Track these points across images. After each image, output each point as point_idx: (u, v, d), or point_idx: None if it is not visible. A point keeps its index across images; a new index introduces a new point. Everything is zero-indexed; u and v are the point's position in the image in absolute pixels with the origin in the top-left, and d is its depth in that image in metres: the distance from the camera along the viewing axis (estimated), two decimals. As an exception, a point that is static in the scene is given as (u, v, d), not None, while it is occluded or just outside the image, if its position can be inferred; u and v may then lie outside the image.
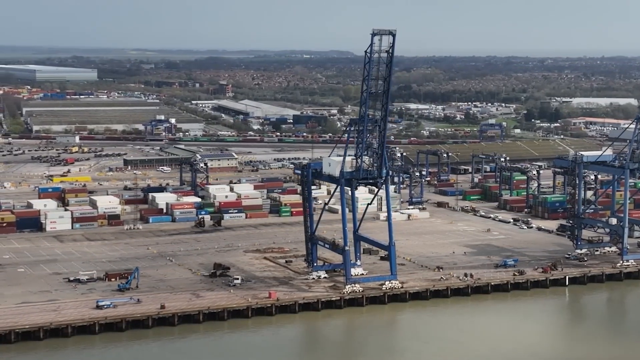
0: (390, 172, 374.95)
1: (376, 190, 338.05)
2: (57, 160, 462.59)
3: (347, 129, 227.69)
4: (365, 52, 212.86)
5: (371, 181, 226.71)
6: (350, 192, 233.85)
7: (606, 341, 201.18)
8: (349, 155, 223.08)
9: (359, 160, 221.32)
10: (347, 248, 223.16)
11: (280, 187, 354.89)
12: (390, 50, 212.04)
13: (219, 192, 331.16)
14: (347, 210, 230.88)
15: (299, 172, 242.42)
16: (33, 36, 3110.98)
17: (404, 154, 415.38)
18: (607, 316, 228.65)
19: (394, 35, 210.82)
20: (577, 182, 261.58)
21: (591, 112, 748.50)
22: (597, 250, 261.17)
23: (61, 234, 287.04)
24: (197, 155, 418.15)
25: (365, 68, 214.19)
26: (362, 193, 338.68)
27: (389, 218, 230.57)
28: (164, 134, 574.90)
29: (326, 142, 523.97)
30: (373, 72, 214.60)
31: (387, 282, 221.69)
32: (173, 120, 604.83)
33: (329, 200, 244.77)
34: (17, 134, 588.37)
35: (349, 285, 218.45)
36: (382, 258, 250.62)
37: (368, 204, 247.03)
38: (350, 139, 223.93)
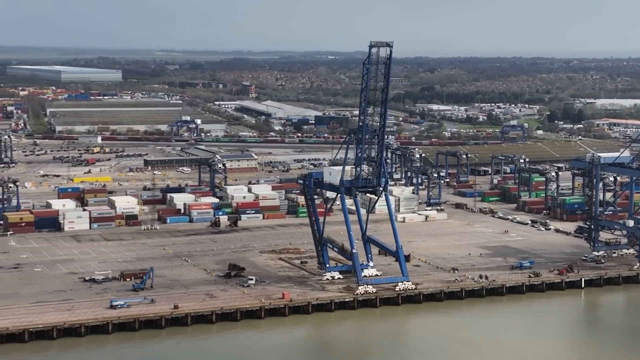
0: (409, 173, 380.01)
1: (393, 192, 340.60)
2: (78, 161, 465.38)
3: (347, 138, 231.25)
4: (364, 63, 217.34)
5: (370, 189, 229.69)
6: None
7: (621, 345, 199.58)
8: (348, 165, 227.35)
9: (358, 169, 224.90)
10: (354, 251, 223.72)
11: (298, 188, 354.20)
12: (388, 62, 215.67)
13: (237, 193, 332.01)
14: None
15: (302, 181, 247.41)
16: (60, 37, 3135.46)
17: (423, 155, 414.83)
18: (622, 319, 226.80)
19: (391, 47, 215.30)
20: (595, 183, 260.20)
21: (615, 114, 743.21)
22: (615, 253, 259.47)
23: (79, 233, 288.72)
24: (217, 155, 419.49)
25: (363, 79, 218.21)
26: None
27: (392, 224, 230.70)
28: (186, 134, 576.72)
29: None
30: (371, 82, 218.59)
31: (399, 284, 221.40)
32: (199, 121, 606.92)
33: (330, 206, 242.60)
34: (40, 134, 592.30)
35: (362, 287, 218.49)
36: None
37: (369, 209, 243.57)
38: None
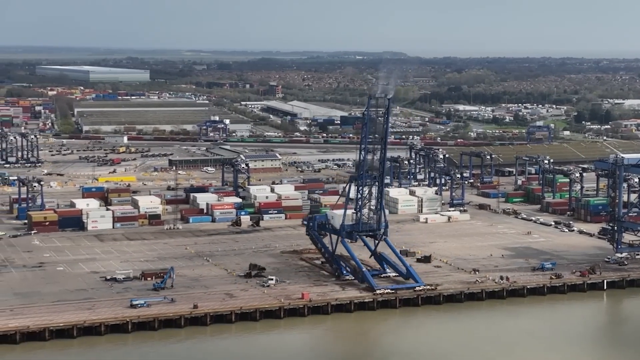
0: (432, 174, 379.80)
1: (416, 191, 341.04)
2: (103, 161, 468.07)
3: (348, 184, 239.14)
4: (363, 113, 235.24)
5: (371, 234, 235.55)
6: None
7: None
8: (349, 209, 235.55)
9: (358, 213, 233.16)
10: (363, 269, 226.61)
11: (321, 188, 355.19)
12: (387, 111, 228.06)
13: (260, 193, 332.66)
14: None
15: (306, 222, 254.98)
16: (90, 38, 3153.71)
17: (447, 155, 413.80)
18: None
19: (389, 99, 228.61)
20: (618, 184, 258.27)
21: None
22: (638, 254, 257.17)
23: (102, 233, 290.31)
24: (241, 156, 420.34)
25: (363, 129, 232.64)
26: (403, 194, 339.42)
27: (396, 254, 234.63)
28: (211, 134, 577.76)
29: (371, 144, 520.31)
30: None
31: (416, 288, 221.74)
32: (227, 122, 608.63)
33: (334, 249, 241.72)
34: (67, 134, 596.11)
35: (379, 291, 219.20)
36: (418, 260, 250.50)
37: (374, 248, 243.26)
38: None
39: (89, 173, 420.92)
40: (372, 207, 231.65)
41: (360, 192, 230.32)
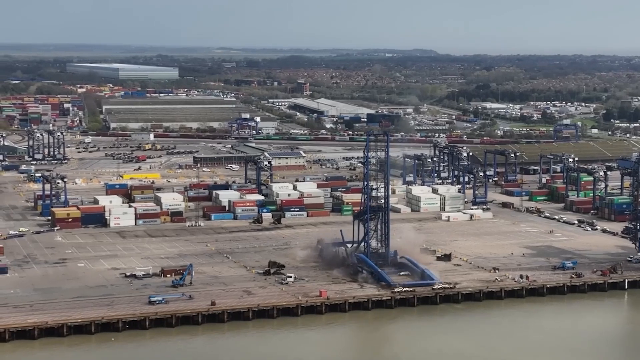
0: (456, 172, 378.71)
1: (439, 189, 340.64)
2: (129, 158, 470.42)
3: (353, 221, 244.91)
4: (364, 151, 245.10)
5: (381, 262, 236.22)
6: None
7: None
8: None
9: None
10: (379, 270, 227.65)
11: (344, 186, 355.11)
12: (386, 149, 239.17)
13: (282, 190, 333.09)
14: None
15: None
16: (123, 36, 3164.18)
17: (472, 153, 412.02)
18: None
19: (387, 136, 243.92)
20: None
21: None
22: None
23: (124, 230, 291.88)
24: (265, 153, 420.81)
25: (364, 167, 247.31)
26: (426, 192, 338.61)
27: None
28: (237, 132, 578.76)
29: (397, 141, 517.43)
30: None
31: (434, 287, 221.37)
32: (258, 119, 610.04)
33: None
34: (94, 131, 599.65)
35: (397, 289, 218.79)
36: (438, 258, 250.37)
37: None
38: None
39: (114, 170, 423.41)
40: (379, 238, 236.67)
41: (367, 226, 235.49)
